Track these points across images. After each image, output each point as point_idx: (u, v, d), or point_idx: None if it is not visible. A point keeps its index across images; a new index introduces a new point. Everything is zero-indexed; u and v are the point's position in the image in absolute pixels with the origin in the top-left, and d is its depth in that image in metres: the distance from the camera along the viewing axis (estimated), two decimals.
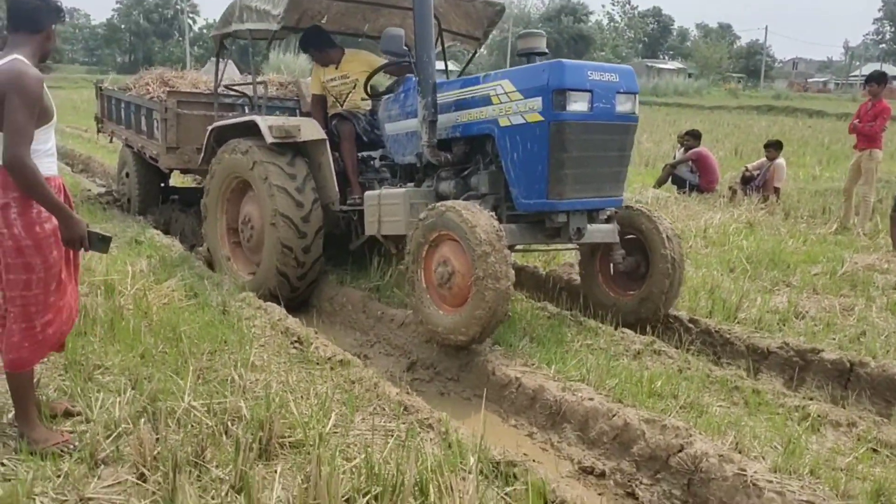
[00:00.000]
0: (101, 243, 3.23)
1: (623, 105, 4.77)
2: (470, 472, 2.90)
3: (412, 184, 5.64)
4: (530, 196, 4.71)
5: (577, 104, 4.54)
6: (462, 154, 5.25)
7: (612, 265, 5.31)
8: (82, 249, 3.22)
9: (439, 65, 7.15)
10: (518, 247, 5.29)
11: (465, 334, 4.34)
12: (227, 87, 7.53)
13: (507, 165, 4.80)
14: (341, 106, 6.39)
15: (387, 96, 5.89)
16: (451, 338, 4.41)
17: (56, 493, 2.88)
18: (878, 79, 9.38)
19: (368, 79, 6.07)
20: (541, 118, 4.54)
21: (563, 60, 4.62)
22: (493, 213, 4.88)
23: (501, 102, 4.79)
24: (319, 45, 6.38)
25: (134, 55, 69.17)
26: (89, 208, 8.49)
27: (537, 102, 4.56)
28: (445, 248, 4.53)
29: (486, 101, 4.91)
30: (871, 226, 9.07)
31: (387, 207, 5.35)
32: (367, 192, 5.60)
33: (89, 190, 10.31)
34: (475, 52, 7.16)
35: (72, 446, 3.22)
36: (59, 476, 2.99)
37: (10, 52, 3.11)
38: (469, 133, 5.10)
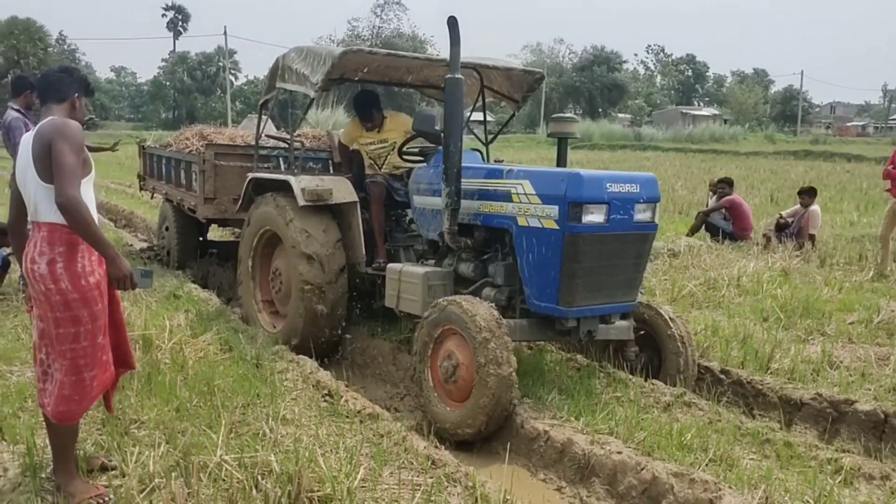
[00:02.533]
0: (145, 279, 3.37)
1: (642, 214, 4.79)
2: None
3: (434, 259, 5.72)
4: (541, 299, 4.75)
5: (593, 216, 4.56)
6: (482, 241, 5.32)
7: (626, 362, 5.30)
8: (129, 288, 3.33)
9: (478, 116, 7.30)
10: None
11: (471, 426, 4.35)
12: (268, 136, 7.75)
13: (521, 264, 4.85)
14: (379, 168, 6.53)
15: (418, 167, 5.99)
16: (458, 432, 4.42)
17: None
18: None
19: (402, 146, 6.21)
20: (556, 226, 4.57)
21: (582, 172, 4.62)
22: (507, 305, 5.04)
23: (521, 202, 4.83)
24: (368, 108, 6.53)
25: (178, 111, 71.10)
26: (131, 262, 8.65)
27: (554, 210, 4.59)
28: (450, 343, 4.61)
29: (507, 197, 4.96)
30: None
31: (406, 285, 5.43)
32: (390, 265, 5.69)
33: (131, 245, 10.58)
34: (513, 114, 7.28)
35: (106, 498, 3.31)
36: None
37: (46, 117, 3.36)
38: (489, 224, 5.16)
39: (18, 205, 3.46)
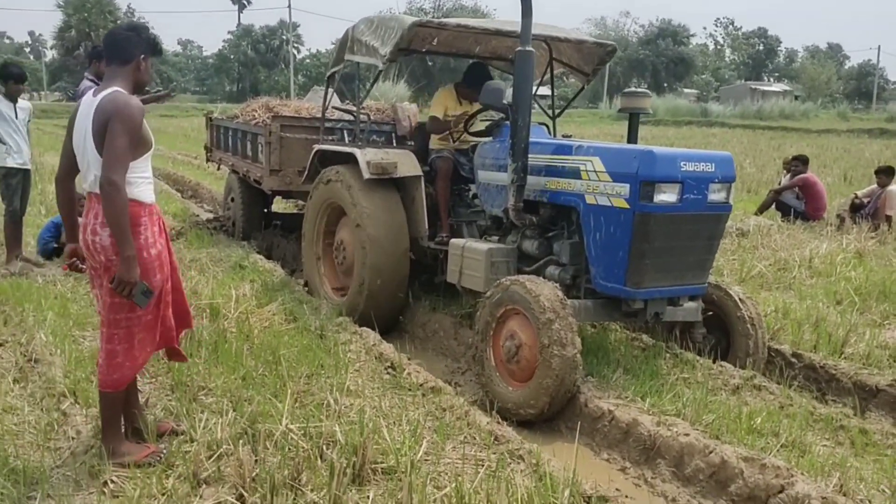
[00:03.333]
0: (143, 296, 3.28)
1: (716, 194, 4.64)
2: None
3: (497, 235, 5.66)
4: (608, 279, 4.65)
5: (666, 195, 4.43)
6: (548, 218, 5.23)
7: (693, 343, 5.16)
8: (126, 295, 3.23)
9: (545, 91, 7.17)
10: None
11: (534, 406, 4.30)
12: (334, 108, 7.78)
13: (588, 243, 4.75)
14: (454, 141, 6.45)
15: (483, 141, 5.91)
16: (521, 412, 4.36)
17: None
18: None
19: (468, 121, 6.13)
20: (626, 206, 4.46)
21: (655, 150, 4.49)
22: (572, 284, 4.95)
23: (590, 179, 4.72)
24: (480, 81, 6.40)
25: (241, 84, 72.03)
26: (197, 233, 8.87)
27: (625, 189, 4.48)
28: (512, 323, 4.55)
29: (575, 173, 4.85)
30: None
31: (469, 261, 5.38)
32: (453, 240, 5.66)
33: (197, 215, 10.78)
34: (583, 87, 7.16)
35: (160, 457, 3.38)
36: (163, 494, 3.14)
37: (108, 85, 3.28)
38: (556, 201, 5.06)
39: (70, 162, 3.41)
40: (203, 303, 5.64)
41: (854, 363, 5.07)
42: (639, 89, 5.68)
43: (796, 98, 60.82)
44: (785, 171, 12.03)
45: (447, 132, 6.35)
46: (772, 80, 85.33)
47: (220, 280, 6.53)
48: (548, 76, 6.87)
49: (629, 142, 5.70)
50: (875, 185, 10.72)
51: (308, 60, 72.89)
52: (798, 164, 11.34)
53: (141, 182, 3.30)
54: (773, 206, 11.21)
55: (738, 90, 66.64)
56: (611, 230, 4.57)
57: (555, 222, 5.24)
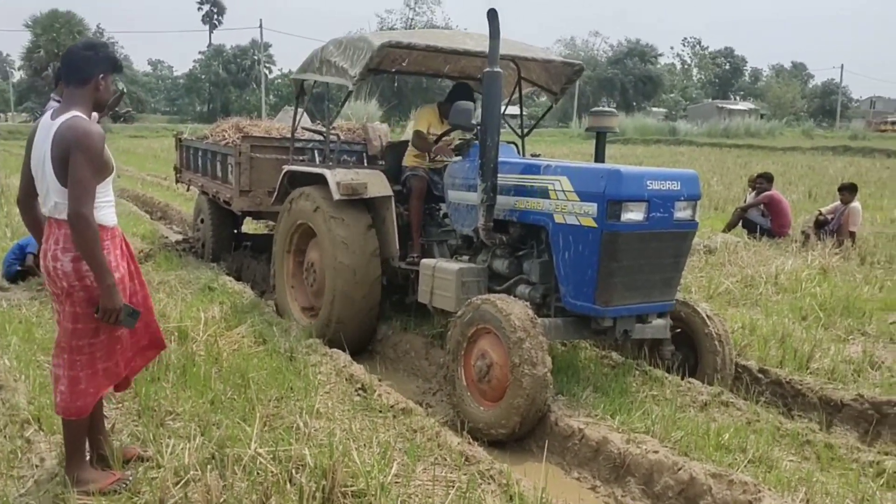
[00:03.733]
0: (130, 318, 3.27)
1: (682, 212, 4.71)
2: None
3: (468, 254, 5.68)
4: (577, 297, 4.69)
5: (633, 214, 4.49)
6: (518, 237, 5.27)
7: (662, 360, 5.21)
8: (113, 323, 3.21)
9: (515, 110, 7.23)
10: None
11: (505, 426, 4.30)
12: (304, 128, 7.78)
13: (557, 262, 4.79)
14: (430, 160, 6.45)
15: (454, 160, 5.95)
16: (492, 432, 4.37)
17: None
18: None
19: (437, 140, 6.16)
20: (594, 224, 4.51)
21: (621, 169, 4.55)
22: (542, 303, 4.99)
23: (558, 199, 4.77)
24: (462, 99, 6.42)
25: (212, 104, 71.71)
26: (166, 255, 8.79)
27: (592, 208, 4.52)
28: (483, 342, 4.56)
29: (544, 193, 4.90)
30: None
31: (439, 281, 5.39)
32: (424, 260, 5.67)
33: (166, 237, 10.68)
34: (551, 107, 7.21)
35: (126, 484, 3.33)
36: None
37: (67, 108, 3.21)
38: (525, 220, 5.10)
39: (28, 185, 3.35)
40: (171, 326, 5.58)
41: (819, 378, 5.15)
42: (605, 108, 5.76)
43: (762, 116, 61.91)
44: (750, 189, 12.20)
45: (427, 151, 6.34)
46: (738, 98, 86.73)
47: (188, 302, 6.47)
48: (517, 95, 6.94)
49: (597, 160, 5.77)
50: (838, 202, 10.91)
51: (279, 80, 72.76)
52: (763, 181, 11.51)
53: (103, 206, 3.26)
54: (740, 224, 11.36)
55: (705, 109, 67.66)
56: (579, 249, 4.60)
57: (524, 241, 5.28)
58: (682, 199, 4.69)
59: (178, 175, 10.63)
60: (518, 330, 4.25)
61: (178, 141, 10.58)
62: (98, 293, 3.18)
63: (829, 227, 10.60)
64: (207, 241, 9.26)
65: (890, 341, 5.98)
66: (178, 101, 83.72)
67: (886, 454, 4.06)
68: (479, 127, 5.14)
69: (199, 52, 78.51)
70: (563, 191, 4.73)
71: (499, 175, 5.02)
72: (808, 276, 8.13)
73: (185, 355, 5.01)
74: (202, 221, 9.53)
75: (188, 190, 11.03)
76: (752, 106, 71.99)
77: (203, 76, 75.26)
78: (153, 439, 3.80)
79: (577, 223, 4.61)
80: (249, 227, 10.47)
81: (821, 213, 11.01)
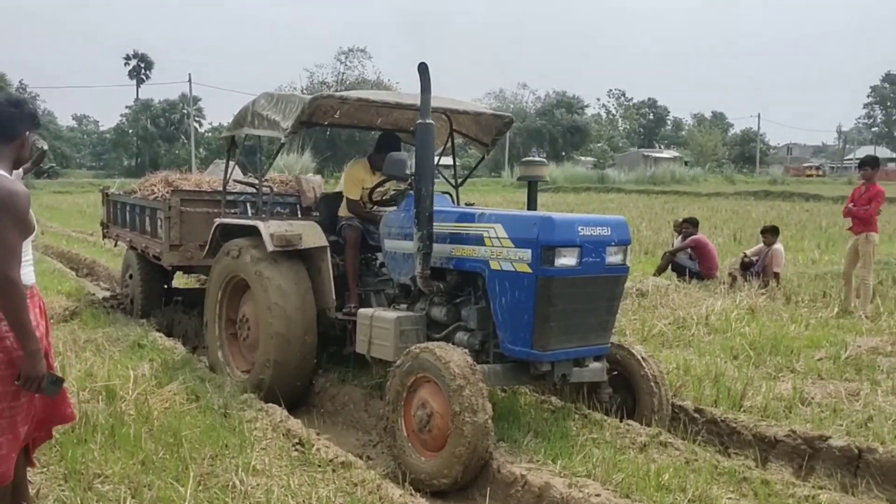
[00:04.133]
0: (53, 386, 3.14)
1: (613, 257, 4.80)
2: None
3: (406, 303, 5.67)
4: (515, 343, 4.72)
5: (566, 259, 4.57)
6: (455, 284, 5.28)
7: (600, 403, 5.26)
8: (35, 390, 3.08)
9: (448, 160, 7.30)
10: None
11: (447, 476, 4.26)
12: (236, 181, 7.70)
13: (494, 308, 4.82)
14: (365, 206, 6.38)
15: (389, 210, 5.96)
16: (434, 483, 4.32)
17: None
18: (871, 163, 9.53)
19: (372, 191, 6.16)
20: (529, 270, 4.56)
21: (553, 216, 4.65)
22: (481, 349, 5.00)
23: (493, 246, 4.81)
24: (389, 150, 6.22)
25: (140, 158, 70.44)
26: (93, 312, 8.52)
27: (527, 254, 4.58)
28: (423, 391, 4.53)
29: (479, 240, 4.94)
30: (872, 308, 9.05)
31: (377, 330, 5.35)
32: (361, 310, 5.63)
33: (93, 294, 10.36)
34: (483, 157, 7.31)
35: None
36: None
37: None
38: (462, 268, 5.13)
39: None
40: (98, 385, 5.38)
41: (753, 416, 5.25)
42: (536, 158, 5.91)
43: (686, 163, 64.09)
44: (676, 234, 12.56)
45: (361, 210, 6.32)
46: (662, 147, 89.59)
47: (116, 360, 6.26)
48: (449, 146, 7.02)
49: (529, 208, 5.86)
50: (762, 244, 11.30)
51: (209, 134, 72.15)
52: (689, 226, 11.88)
53: (22, 265, 3.14)
54: (669, 267, 11.64)
55: (631, 157, 69.71)
56: (515, 294, 4.64)
57: (462, 288, 5.29)
58: (613, 244, 4.78)
59: (105, 230, 10.38)
60: (458, 377, 4.23)
61: (105, 196, 10.35)
62: (17, 355, 3.04)
63: (755, 269, 10.95)
64: (136, 297, 9.02)
65: (818, 377, 6.15)
66: (105, 155, 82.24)
67: (821, 488, 4.13)
68: (413, 177, 5.17)
69: (126, 107, 77.21)
70: (498, 237, 4.78)
71: (434, 223, 5.05)
72: (738, 316, 8.35)
73: (113, 415, 4.82)
74: (131, 277, 9.29)
75: (116, 245, 10.76)
76: (677, 154, 74.51)
77: (131, 130, 74.11)
78: None
79: (513, 269, 4.65)
80: (180, 281, 10.24)
81: (746, 255, 11.37)
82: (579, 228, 4.62)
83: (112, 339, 7.17)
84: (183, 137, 70.11)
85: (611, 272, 4.80)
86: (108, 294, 10.46)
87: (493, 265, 4.79)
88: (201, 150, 66.14)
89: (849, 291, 9.48)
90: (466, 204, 6.43)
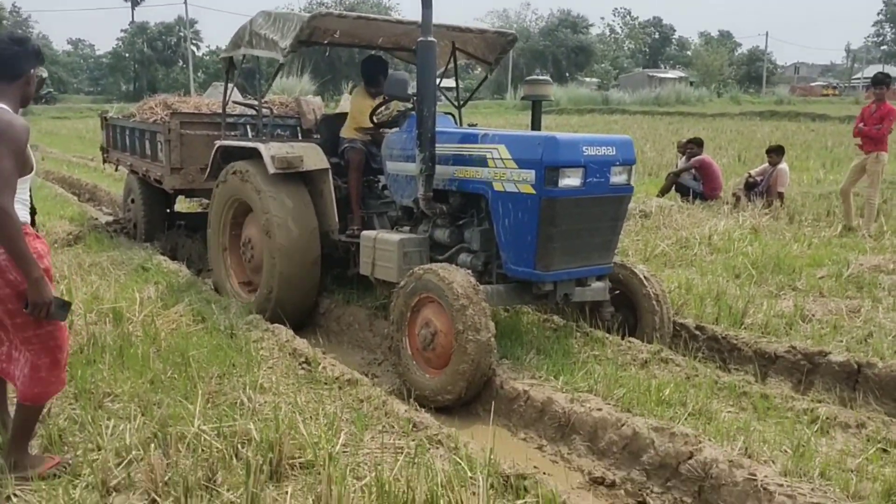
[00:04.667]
0: (61, 310, 3.15)
1: (618, 177, 4.76)
2: (479, 487, 2.90)
3: (409, 225, 5.65)
4: (518, 263, 4.72)
5: (570, 180, 4.53)
6: (458, 206, 5.26)
7: (602, 322, 5.29)
8: (43, 317, 3.09)
9: (450, 83, 7.17)
10: None
11: (451, 392, 4.33)
12: (235, 102, 7.60)
13: (497, 229, 4.81)
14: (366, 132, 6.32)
15: (391, 131, 5.88)
16: (438, 399, 4.39)
17: None
18: (883, 81, 9.30)
19: (373, 112, 6.06)
20: (533, 191, 4.53)
21: (558, 136, 4.58)
22: (484, 270, 5.00)
23: (497, 167, 4.77)
24: (376, 74, 6.29)
25: (138, 83, 69.60)
26: (96, 236, 8.54)
27: (530, 175, 4.54)
28: (427, 311, 4.57)
29: (482, 161, 4.89)
30: (876, 227, 9.03)
31: (381, 252, 5.35)
32: (364, 232, 5.62)
33: (96, 219, 10.36)
34: (486, 77, 7.18)
35: (66, 467, 3.26)
36: None
37: None
38: (465, 189, 5.10)
39: None
40: (105, 307, 5.43)
41: (753, 333, 5.30)
42: (540, 77, 5.79)
43: (691, 84, 63.00)
44: (680, 154, 12.44)
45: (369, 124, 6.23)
46: (668, 67, 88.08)
47: (122, 283, 6.30)
48: (451, 67, 6.89)
49: (533, 129, 5.79)
50: (767, 164, 11.21)
51: (207, 57, 71.00)
52: (693, 146, 11.75)
53: (16, 202, 3.11)
54: (673, 188, 11.58)
55: (636, 78, 68.58)
56: (519, 216, 4.62)
57: (464, 210, 5.27)
58: (618, 163, 4.74)
59: (105, 155, 10.30)
60: (461, 297, 4.26)
61: (104, 120, 10.24)
62: (23, 287, 3.06)
63: (759, 189, 10.90)
64: (139, 222, 9.01)
65: (819, 295, 6.18)
66: (103, 80, 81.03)
67: (819, 402, 4.21)
68: (415, 97, 5.09)
69: (122, 30, 75.91)
70: (501, 159, 4.73)
71: (437, 145, 4.99)
72: (740, 236, 8.36)
73: (121, 336, 4.88)
74: (133, 201, 9.27)
75: (117, 170, 10.72)
76: (682, 74, 73.19)
77: (127, 55, 72.94)
78: (92, 422, 3.69)
79: (516, 190, 4.63)
80: (182, 205, 10.22)
81: (750, 176, 11.30)
82: (584, 148, 4.57)
83: (116, 263, 7.20)
84: (181, 61, 69.09)
85: (615, 192, 4.77)
86: (110, 219, 10.46)
87: (497, 186, 4.76)
88: (199, 73, 65.27)
89: (848, 209, 9.46)
90: (469, 125, 6.35)
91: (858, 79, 75.62)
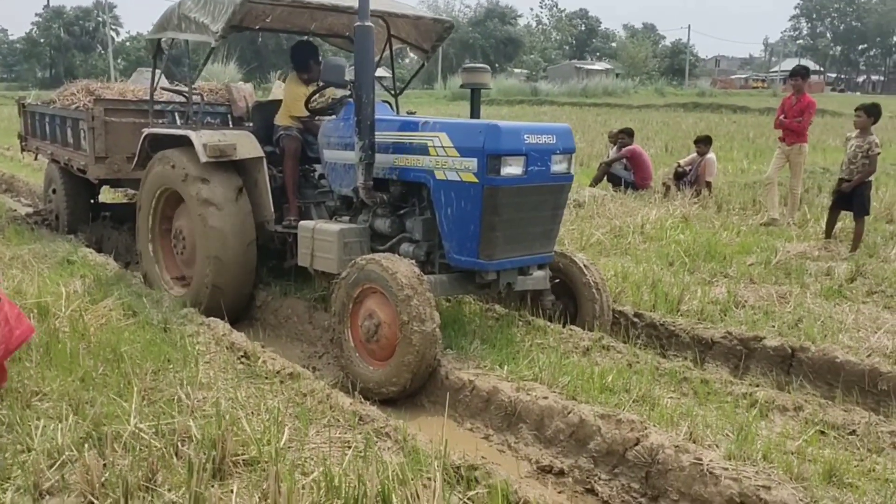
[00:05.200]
0: None
1: (558, 165, 4.76)
2: (432, 480, 2.85)
3: (348, 215, 5.55)
4: (461, 253, 4.68)
5: (512, 168, 4.50)
6: (398, 195, 5.18)
7: (543, 310, 5.30)
8: None
9: (383, 72, 7.06)
10: None
11: (396, 384, 4.28)
12: (164, 88, 7.34)
13: (440, 218, 4.75)
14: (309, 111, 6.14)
15: (327, 119, 5.76)
16: (383, 391, 4.34)
17: None
18: (801, 73, 9.44)
19: (308, 99, 5.89)
20: (475, 180, 4.49)
21: (500, 124, 4.53)
22: (426, 260, 4.94)
23: (438, 155, 4.71)
24: (306, 59, 6.14)
25: (54, 70, 67.09)
26: (16, 228, 8.17)
27: (472, 163, 4.50)
28: (370, 302, 4.50)
29: (423, 150, 4.82)
30: (799, 216, 9.31)
31: (320, 243, 5.23)
32: (302, 222, 5.49)
33: (15, 210, 9.91)
34: (423, 65, 7.11)
35: None
36: None
37: None
38: (406, 178, 5.02)
39: None
40: (29, 302, 5.18)
41: (690, 319, 5.40)
42: (478, 64, 5.74)
43: (617, 76, 64.12)
44: (611, 144, 12.63)
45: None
46: (594, 59, 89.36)
47: (46, 277, 6.02)
48: (387, 54, 6.79)
49: (472, 117, 5.75)
50: (695, 154, 11.46)
51: (128, 43, 68.85)
52: (624, 136, 11.94)
53: None
54: (605, 178, 11.74)
55: (564, 69, 69.42)
56: (461, 205, 4.59)
57: (405, 199, 5.20)
58: (558, 152, 4.75)
59: (23, 143, 9.85)
60: (405, 288, 4.20)
61: (22, 107, 9.78)
62: None
63: (688, 178, 11.13)
64: (62, 213, 8.65)
65: (750, 282, 6.35)
66: (17, 67, 77.75)
67: (757, 386, 4.31)
68: (352, 84, 5.00)
69: (37, 14, 72.93)
70: (443, 147, 4.68)
71: (376, 133, 4.91)
72: (672, 224, 8.53)
73: (47, 332, 4.65)
74: (54, 192, 8.88)
75: (36, 159, 10.28)
76: (608, 66, 74.46)
77: (43, 40, 70.13)
78: (20, 422, 3.51)
79: (459, 179, 4.58)
80: (107, 196, 9.86)
81: (679, 165, 11.53)
82: (525, 136, 4.56)
83: (39, 256, 6.90)
84: (99, 47, 66.75)
85: (556, 181, 4.78)
86: (30, 210, 10.01)
87: (439, 175, 4.71)
88: (119, 60, 63.17)
89: (771, 199, 9.37)
90: (408, 112, 6.27)
91: (776, 72, 78.23)
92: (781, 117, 9.42)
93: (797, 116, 9.20)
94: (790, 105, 9.36)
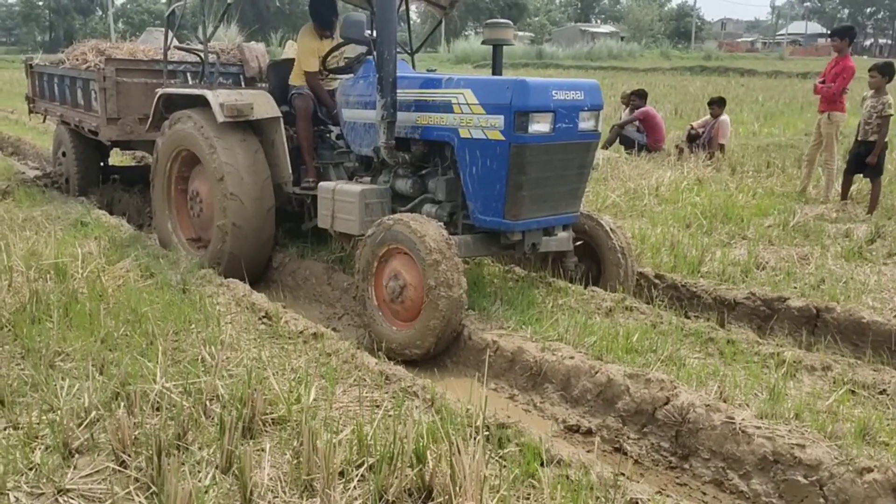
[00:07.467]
0: None
1: (586, 122, 4.65)
2: (471, 437, 2.82)
3: (368, 176, 5.46)
4: (486, 213, 4.60)
5: (540, 125, 4.39)
6: (421, 155, 5.08)
7: (565, 272, 5.24)
8: None
9: (402, 32, 6.90)
10: None
11: (419, 347, 4.25)
12: (178, 48, 7.23)
13: (464, 178, 4.66)
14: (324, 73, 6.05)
15: (346, 77, 5.65)
16: (406, 352, 4.31)
17: (31, 487, 2.74)
18: (840, 33, 8.45)
19: (326, 56, 5.78)
20: (502, 137, 4.38)
21: (528, 80, 4.42)
22: (449, 221, 4.84)
23: (463, 113, 4.60)
24: (328, 13, 6.00)
25: (54, 33, 66.45)
26: (27, 191, 8.11)
27: (499, 121, 4.39)
28: (395, 262, 4.44)
29: (447, 107, 4.71)
30: (835, 192, 8.31)
31: (341, 204, 5.15)
32: (322, 184, 5.40)
33: (23, 173, 9.84)
34: (441, 21, 6.97)
35: None
36: (30, 468, 2.84)
37: None
38: (428, 137, 4.91)
39: None
40: (45, 263, 5.14)
41: (711, 280, 5.36)
42: (500, 20, 5.60)
43: (622, 39, 63.40)
44: (624, 106, 12.48)
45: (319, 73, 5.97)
46: (599, 21, 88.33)
47: (60, 239, 5.98)
48: (402, 10, 6.66)
49: (494, 74, 5.65)
50: (709, 116, 11.32)
51: (129, 6, 68.05)
52: (637, 98, 11.79)
53: None
54: (618, 140, 11.62)
55: (569, 32, 68.68)
56: (487, 163, 4.50)
57: (428, 159, 5.11)
58: (586, 108, 4.65)
59: (31, 105, 9.74)
60: (434, 252, 4.14)
61: (30, 67, 9.65)
62: None
63: (701, 141, 11.01)
64: (72, 176, 8.58)
65: (769, 243, 6.30)
66: (16, 30, 77.01)
67: (782, 346, 4.27)
68: (373, 39, 4.89)
69: None
70: (468, 104, 4.58)
71: (398, 91, 4.82)
72: (687, 186, 8.45)
73: (66, 293, 4.62)
74: (64, 154, 8.81)
75: (44, 121, 10.15)
76: (614, 29, 73.64)
77: (41, 3, 69.34)
78: (45, 382, 3.49)
79: (484, 137, 4.49)
80: (115, 159, 9.78)
81: (692, 128, 11.40)
82: (553, 92, 4.45)
83: (52, 218, 6.84)
84: (99, 10, 65.98)
85: (583, 138, 4.68)
86: (39, 173, 9.94)
87: (463, 133, 4.62)
88: (120, 23, 62.48)
89: (807, 174, 8.66)
90: (429, 70, 6.16)
91: (783, 35, 77.33)
92: (819, 81, 8.56)
93: (833, 81, 8.27)
94: (829, 68, 8.48)
